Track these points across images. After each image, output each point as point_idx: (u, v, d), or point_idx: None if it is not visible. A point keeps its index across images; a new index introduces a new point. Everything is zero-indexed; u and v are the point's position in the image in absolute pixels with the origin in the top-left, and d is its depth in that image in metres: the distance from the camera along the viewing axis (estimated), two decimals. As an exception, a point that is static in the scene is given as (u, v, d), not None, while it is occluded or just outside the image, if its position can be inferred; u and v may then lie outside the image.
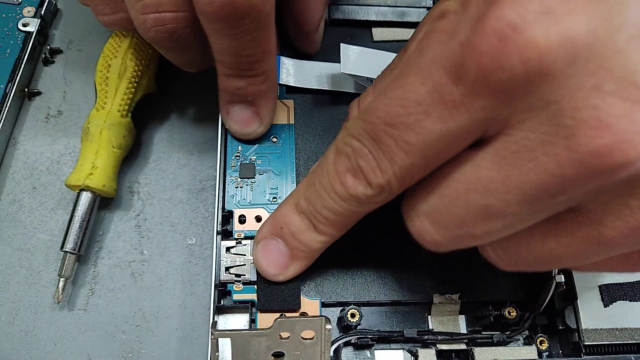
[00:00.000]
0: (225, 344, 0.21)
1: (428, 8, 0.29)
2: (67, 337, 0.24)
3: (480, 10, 0.15)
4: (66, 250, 0.24)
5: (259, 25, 0.21)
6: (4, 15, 0.30)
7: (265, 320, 0.22)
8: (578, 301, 0.24)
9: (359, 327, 0.23)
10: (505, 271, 0.19)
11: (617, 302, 0.24)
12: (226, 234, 0.24)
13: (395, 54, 0.22)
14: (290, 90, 0.27)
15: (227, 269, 0.23)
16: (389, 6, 0.28)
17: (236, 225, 0.24)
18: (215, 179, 0.24)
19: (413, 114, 0.16)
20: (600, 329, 0.23)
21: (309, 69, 0.27)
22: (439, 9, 0.17)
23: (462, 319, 0.25)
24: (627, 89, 0.13)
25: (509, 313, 0.24)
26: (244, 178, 0.25)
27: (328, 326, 0.20)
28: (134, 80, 0.27)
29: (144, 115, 0.29)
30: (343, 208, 0.19)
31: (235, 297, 0.23)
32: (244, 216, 0.24)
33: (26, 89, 0.29)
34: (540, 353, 0.24)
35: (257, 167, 0.25)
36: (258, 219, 0.24)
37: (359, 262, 0.24)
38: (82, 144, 0.26)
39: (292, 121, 0.26)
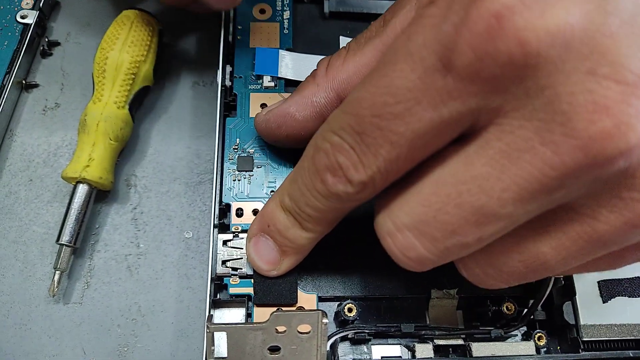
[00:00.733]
0: (221, 338, 0.21)
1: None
2: (62, 330, 0.24)
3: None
4: (62, 242, 0.24)
5: None
6: (2, 7, 0.30)
7: (262, 314, 0.22)
8: (576, 297, 0.23)
9: (355, 322, 0.23)
10: (494, 289, 0.18)
11: (616, 298, 0.24)
12: (223, 227, 0.24)
13: None
14: (290, 84, 0.26)
15: (223, 262, 0.23)
16: (389, -1, 0.28)
17: (233, 219, 0.24)
18: (213, 172, 0.24)
19: (402, 101, 0.15)
20: (599, 325, 0.23)
21: (307, 62, 0.27)
22: None
23: (460, 314, 0.25)
24: (621, 72, 0.13)
25: (507, 308, 0.23)
26: (241, 171, 0.25)
27: (325, 320, 0.20)
28: (132, 72, 0.27)
29: (141, 108, 0.29)
30: (325, 205, 0.19)
31: (232, 290, 0.23)
32: (242, 209, 0.24)
33: (24, 81, 0.29)
34: (538, 349, 0.23)
35: (255, 160, 0.25)
36: (256, 212, 0.24)
37: (356, 257, 0.24)
38: (79, 136, 0.26)
39: (290, 114, 0.26)
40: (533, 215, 0.15)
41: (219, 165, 0.24)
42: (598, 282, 0.24)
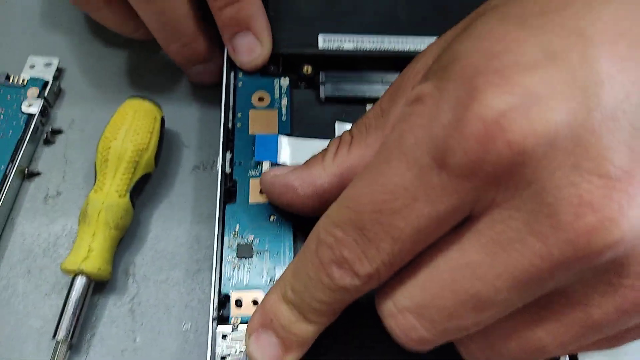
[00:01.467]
0: None
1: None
2: None
3: (460, 96, 0.15)
4: (58, 339, 0.24)
5: None
6: (8, 98, 0.30)
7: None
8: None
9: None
10: None
11: None
12: (222, 320, 0.23)
13: None
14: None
15: (222, 358, 0.22)
16: (382, 83, 0.28)
17: (233, 310, 0.23)
18: (212, 261, 0.24)
19: (400, 198, 0.16)
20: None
21: (305, 146, 0.27)
22: (415, 93, 0.17)
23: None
24: (604, 166, 0.14)
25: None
26: (241, 258, 0.24)
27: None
28: (134, 161, 0.27)
29: (142, 194, 0.29)
30: (331, 298, 0.19)
31: (231, 388, 0.22)
32: (241, 300, 0.24)
33: (26, 170, 0.29)
34: None
35: (254, 247, 0.25)
36: (255, 302, 0.23)
37: (357, 344, 0.23)
38: (79, 226, 0.26)
39: (290, 199, 0.26)
40: (528, 301, 0.16)
41: (219, 254, 0.24)
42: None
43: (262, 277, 0.24)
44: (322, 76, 0.28)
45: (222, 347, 0.22)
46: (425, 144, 0.16)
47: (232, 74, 0.29)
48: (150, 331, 0.25)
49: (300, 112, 0.28)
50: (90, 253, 0.25)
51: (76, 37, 0.34)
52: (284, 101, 0.28)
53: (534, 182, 0.14)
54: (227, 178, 0.26)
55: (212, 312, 0.23)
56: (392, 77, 0.29)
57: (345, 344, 0.23)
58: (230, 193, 0.26)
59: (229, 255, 0.24)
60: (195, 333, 0.25)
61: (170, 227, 0.28)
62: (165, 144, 0.30)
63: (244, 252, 0.25)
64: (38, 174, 0.29)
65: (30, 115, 0.30)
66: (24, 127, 0.30)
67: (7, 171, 0.28)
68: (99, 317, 0.26)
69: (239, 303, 0.23)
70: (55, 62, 0.32)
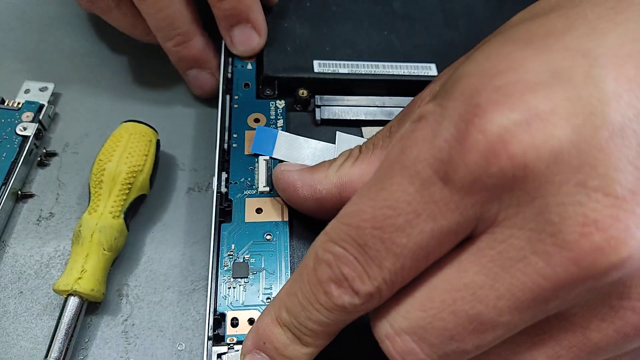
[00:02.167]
0: None
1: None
2: None
3: (462, 112, 0.15)
4: (50, 360, 0.23)
5: None
6: (3, 121, 0.31)
7: None
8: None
9: None
10: None
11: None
12: (218, 339, 0.23)
13: None
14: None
15: (218, 377, 0.22)
16: (377, 106, 0.29)
17: (228, 329, 0.23)
18: (208, 280, 0.24)
19: (402, 214, 0.16)
20: None
21: (301, 145, 0.27)
22: (418, 112, 0.17)
23: None
24: (611, 185, 0.13)
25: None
26: (237, 277, 0.24)
27: None
28: (128, 182, 0.27)
29: (137, 215, 0.29)
30: (329, 319, 0.18)
31: (227, 408, 0.22)
32: (237, 319, 0.23)
33: (19, 192, 0.29)
34: None
35: (250, 266, 0.25)
36: (251, 321, 0.23)
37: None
38: (72, 247, 0.26)
39: (286, 218, 0.26)
40: (531, 323, 0.15)
41: (214, 272, 0.24)
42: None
43: (259, 296, 0.24)
44: (317, 99, 0.29)
45: (217, 367, 0.22)
46: (428, 158, 0.15)
47: (227, 97, 0.29)
48: (143, 352, 0.25)
49: (297, 134, 0.29)
50: (84, 274, 0.25)
51: (72, 62, 0.35)
52: (280, 122, 0.29)
53: (537, 198, 0.14)
54: (222, 197, 0.26)
55: (208, 332, 0.23)
56: (387, 100, 0.29)
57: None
58: (225, 213, 0.26)
59: (225, 275, 0.24)
60: (190, 354, 0.25)
61: (165, 249, 0.28)
62: (161, 166, 0.30)
63: (240, 271, 0.24)
64: (31, 195, 0.29)
65: (25, 138, 0.30)
66: (18, 149, 0.30)
67: (1, 193, 0.28)
68: (91, 338, 0.25)
69: (234, 322, 0.23)
70: (50, 87, 0.32)
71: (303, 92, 0.29)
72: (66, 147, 0.31)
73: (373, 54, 0.31)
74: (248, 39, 0.30)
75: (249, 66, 0.31)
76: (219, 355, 0.22)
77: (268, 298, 0.24)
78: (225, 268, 0.24)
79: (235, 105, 0.29)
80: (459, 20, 0.33)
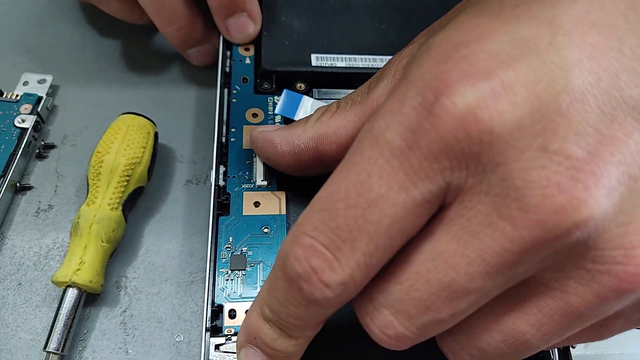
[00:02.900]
0: None
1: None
2: None
3: (428, 80, 0.15)
4: (49, 350, 0.23)
5: None
6: (1, 113, 0.31)
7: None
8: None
9: None
10: None
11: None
12: (215, 330, 0.23)
13: None
14: (282, 186, 0.27)
15: (216, 368, 0.22)
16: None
17: (226, 321, 0.23)
18: (205, 272, 0.24)
19: (374, 188, 0.15)
20: None
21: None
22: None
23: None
24: (571, 148, 0.14)
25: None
26: (234, 270, 0.25)
27: None
28: (126, 174, 0.27)
29: (135, 207, 0.29)
30: (307, 313, 0.18)
31: (225, 398, 0.22)
32: (234, 310, 0.24)
33: (18, 184, 0.29)
34: None
35: (248, 258, 0.25)
36: (249, 313, 0.24)
37: (348, 350, 0.23)
38: (71, 238, 0.26)
39: (283, 212, 0.26)
40: (503, 289, 0.16)
41: (212, 265, 0.24)
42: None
43: (256, 288, 0.24)
44: (315, 93, 0.29)
45: (215, 358, 0.22)
46: (397, 127, 0.15)
47: (225, 90, 0.29)
48: (142, 343, 0.25)
49: (293, 128, 0.29)
50: (82, 265, 0.25)
51: (70, 55, 0.35)
52: (278, 118, 0.29)
53: (501, 164, 0.14)
54: (220, 191, 0.26)
55: (205, 323, 0.23)
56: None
57: (336, 348, 0.23)
58: (223, 206, 0.26)
59: (222, 267, 0.24)
60: (188, 345, 0.25)
61: (163, 241, 0.28)
62: (159, 158, 0.30)
63: (238, 263, 0.25)
64: (30, 187, 0.30)
65: (23, 130, 0.30)
66: (16, 141, 0.30)
67: (-1, 185, 0.28)
68: (90, 329, 0.25)
69: (232, 314, 0.24)
70: (49, 79, 0.32)
71: (301, 86, 0.29)
72: (65, 140, 0.31)
73: (371, 47, 0.31)
74: (244, 27, 0.30)
75: (247, 61, 0.31)
76: (217, 346, 0.23)
77: (265, 290, 0.24)
78: (223, 260, 0.25)
79: (234, 100, 0.29)
80: (457, 15, 0.33)
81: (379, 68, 0.30)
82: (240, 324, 0.23)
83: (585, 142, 0.14)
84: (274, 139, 0.24)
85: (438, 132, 0.15)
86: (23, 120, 0.30)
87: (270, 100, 0.29)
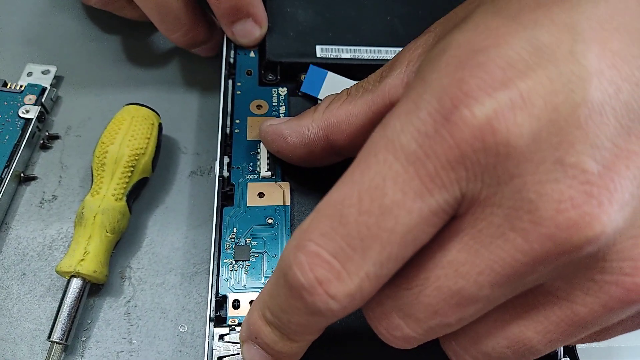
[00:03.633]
0: None
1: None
2: None
3: (444, 86, 0.15)
4: (53, 340, 0.23)
5: None
6: (5, 103, 0.31)
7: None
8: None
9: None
10: None
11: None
12: (219, 321, 0.23)
13: None
14: (286, 177, 0.27)
15: (219, 358, 0.22)
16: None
17: (230, 311, 0.23)
18: (210, 262, 0.24)
19: (389, 194, 0.15)
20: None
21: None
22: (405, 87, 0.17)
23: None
24: (587, 162, 0.14)
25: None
26: (238, 260, 0.24)
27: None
28: (131, 165, 0.27)
29: (139, 198, 0.29)
30: (310, 322, 0.17)
31: (228, 388, 0.22)
32: (238, 301, 0.24)
33: (22, 174, 0.29)
34: None
35: (252, 249, 0.25)
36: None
37: (352, 347, 0.23)
38: (75, 229, 0.26)
39: (287, 203, 0.26)
40: (511, 296, 0.16)
41: (216, 255, 0.24)
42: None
43: (260, 279, 0.24)
44: (319, 84, 0.29)
45: (219, 349, 0.22)
46: (412, 131, 0.15)
47: (230, 82, 0.29)
48: (146, 334, 0.25)
49: (298, 119, 0.29)
50: (86, 255, 0.25)
51: (74, 45, 0.35)
52: (282, 109, 0.29)
53: (516, 177, 0.14)
54: (224, 182, 0.26)
55: (209, 313, 0.23)
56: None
57: (337, 345, 0.23)
58: (227, 197, 0.26)
59: (227, 258, 0.24)
60: (192, 335, 0.25)
61: (167, 232, 0.28)
62: (163, 150, 0.30)
63: (242, 254, 0.25)
64: (34, 178, 0.29)
65: (27, 121, 0.30)
66: (20, 132, 0.30)
67: (3, 175, 0.28)
68: (94, 319, 0.25)
69: (236, 304, 0.24)
70: (53, 70, 0.32)
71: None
72: (69, 130, 0.31)
73: (376, 39, 0.31)
74: (249, 32, 0.30)
75: (252, 54, 0.31)
76: (221, 337, 0.23)
77: (269, 281, 0.24)
78: (227, 251, 0.25)
79: (238, 92, 0.29)
80: (463, 7, 0.33)
81: (384, 60, 0.30)
82: (244, 314, 0.23)
83: (602, 155, 0.14)
84: (283, 131, 0.24)
85: (455, 141, 0.14)
86: (27, 111, 0.30)
87: (274, 91, 0.29)
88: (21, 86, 0.31)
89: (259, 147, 0.27)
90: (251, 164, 0.27)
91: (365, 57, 0.30)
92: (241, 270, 0.24)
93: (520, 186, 0.14)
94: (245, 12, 0.29)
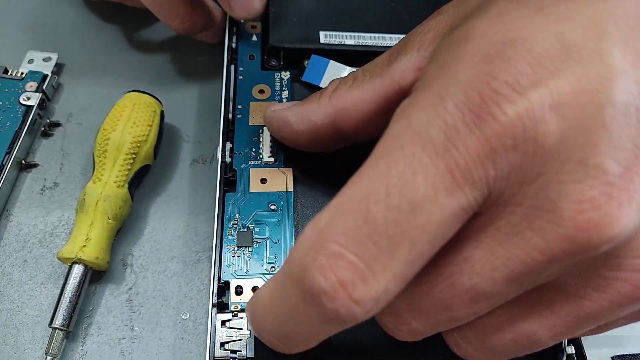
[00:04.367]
0: None
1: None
2: (49, 421, 0.23)
3: (470, 79, 0.15)
4: (55, 326, 0.23)
5: None
6: (6, 90, 0.30)
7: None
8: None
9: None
10: None
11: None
12: (222, 307, 0.23)
13: None
14: (289, 163, 0.27)
15: (222, 344, 0.22)
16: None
17: (233, 297, 0.23)
18: (212, 249, 0.24)
19: (421, 189, 0.14)
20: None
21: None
22: (423, 73, 0.16)
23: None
24: (609, 163, 0.14)
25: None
26: (241, 247, 0.24)
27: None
28: (133, 152, 0.27)
29: (140, 186, 0.29)
30: (321, 330, 0.16)
31: (231, 374, 0.22)
32: (241, 287, 0.23)
33: (23, 161, 0.29)
34: None
35: (255, 235, 0.25)
36: (255, 290, 0.23)
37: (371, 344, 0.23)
38: (76, 215, 0.26)
39: (290, 189, 0.26)
40: (521, 292, 0.16)
41: (218, 241, 0.24)
42: (612, 358, 0.23)
43: (263, 265, 0.24)
44: (322, 70, 0.29)
45: (221, 334, 0.22)
46: (439, 123, 0.14)
47: (232, 67, 0.29)
48: (148, 321, 0.25)
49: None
50: (88, 242, 0.25)
51: (75, 32, 0.34)
52: (285, 93, 0.28)
53: (541, 175, 0.14)
54: (227, 167, 0.26)
55: (212, 299, 0.23)
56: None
57: (338, 341, 0.23)
58: (229, 182, 0.26)
59: (229, 244, 0.24)
60: (194, 322, 0.25)
61: (169, 219, 0.28)
62: (165, 137, 0.30)
63: (244, 240, 0.24)
64: (35, 165, 0.29)
65: (28, 108, 0.30)
66: (21, 119, 0.29)
67: (4, 162, 0.28)
68: (95, 306, 0.25)
69: (238, 290, 0.23)
70: (54, 57, 0.32)
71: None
72: (70, 118, 0.31)
73: (380, 25, 0.30)
74: (248, 3, 0.29)
75: (254, 37, 0.30)
76: (223, 322, 0.22)
77: (272, 267, 0.24)
78: (230, 237, 0.24)
79: (240, 77, 0.29)
80: (468, -7, 0.32)
81: (387, 46, 0.29)
82: (246, 300, 0.23)
83: (623, 156, 0.14)
84: (289, 117, 0.24)
85: (486, 136, 0.14)
86: (28, 98, 0.30)
87: (277, 76, 0.29)
88: (22, 73, 0.31)
89: (262, 133, 0.27)
90: (254, 149, 0.27)
91: (369, 44, 0.30)
92: (244, 257, 0.24)
93: (543, 185, 0.14)
94: None
